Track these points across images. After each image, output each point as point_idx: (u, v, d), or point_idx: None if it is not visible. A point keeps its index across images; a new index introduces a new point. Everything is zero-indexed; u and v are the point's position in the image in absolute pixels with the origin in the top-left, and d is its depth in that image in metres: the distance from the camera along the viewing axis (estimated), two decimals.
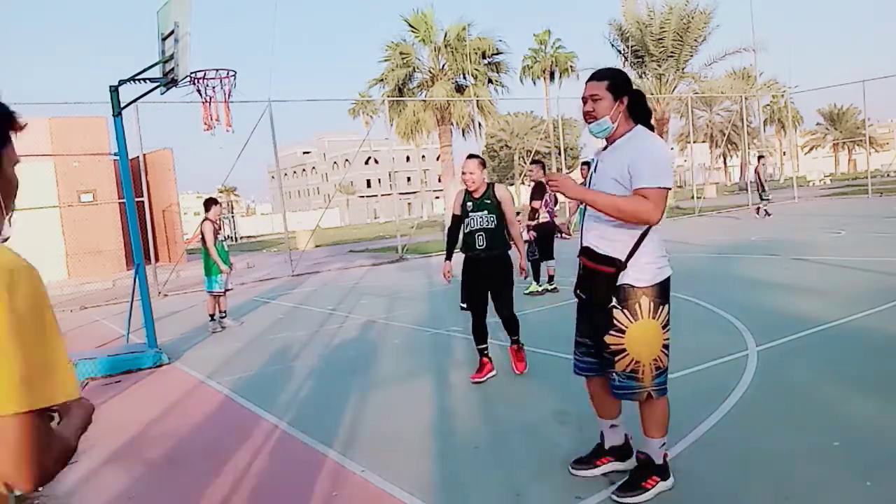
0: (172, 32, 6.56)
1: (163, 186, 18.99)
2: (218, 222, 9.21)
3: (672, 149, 43.60)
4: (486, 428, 4.30)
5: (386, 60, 24.08)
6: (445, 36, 23.79)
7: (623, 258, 2.98)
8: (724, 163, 67.03)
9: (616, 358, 3.05)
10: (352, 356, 6.76)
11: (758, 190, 18.91)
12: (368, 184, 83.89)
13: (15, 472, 1.09)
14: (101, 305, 13.63)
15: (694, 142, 31.68)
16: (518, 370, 5.51)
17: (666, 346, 3.03)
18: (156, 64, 6.95)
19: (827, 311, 6.39)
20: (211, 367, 5.51)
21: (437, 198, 74.05)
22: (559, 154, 23.97)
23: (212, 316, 9.16)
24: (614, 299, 3.00)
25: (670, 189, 2.94)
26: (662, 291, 2.99)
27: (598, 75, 3.08)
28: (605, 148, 3.17)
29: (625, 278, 2.98)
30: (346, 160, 77.65)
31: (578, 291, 3.17)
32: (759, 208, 19.00)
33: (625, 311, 2.99)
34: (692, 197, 26.38)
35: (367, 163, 76.44)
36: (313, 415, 5.05)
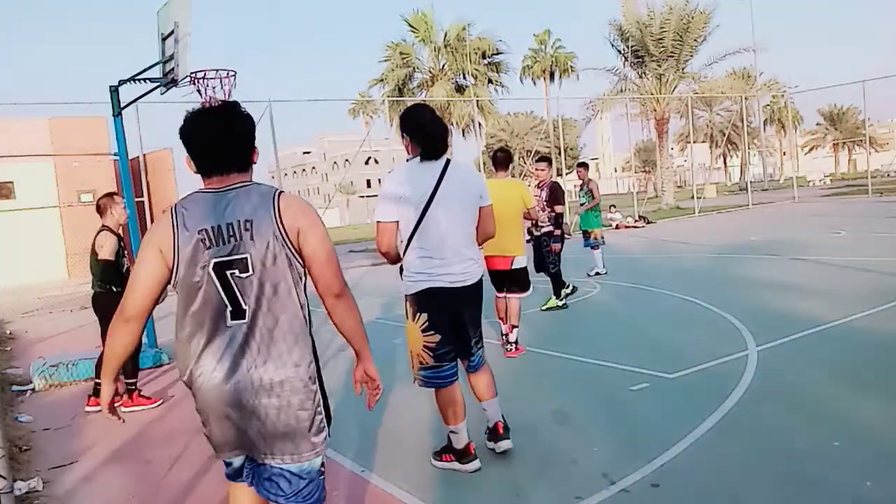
0: (172, 32, 6.58)
1: (163, 186, 19.00)
2: None
3: (672, 149, 43.45)
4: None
5: (386, 60, 24.10)
6: (445, 36, 23.81)
7: None
8: (724, 163, 67.02)
9: None
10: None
11: None
12: (368, 184, 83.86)
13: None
14: None
15: (694, 142, 31.68)
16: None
17: (430, 349, 3.51)
18: (156, 64, 6.96)
19: (827, 311, 6.38)
20: None
21: None
22: (559, 154, 23.94)
23: None
24: None
25: (382, 222, 3.36)
26: (417, 301, 3.48)
27: None
28: None
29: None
30: (346, 160, 77.62)
31: None
32: None
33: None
34: (692, 197, 26.35)
35: (367, 163, 76.50)
36: None
